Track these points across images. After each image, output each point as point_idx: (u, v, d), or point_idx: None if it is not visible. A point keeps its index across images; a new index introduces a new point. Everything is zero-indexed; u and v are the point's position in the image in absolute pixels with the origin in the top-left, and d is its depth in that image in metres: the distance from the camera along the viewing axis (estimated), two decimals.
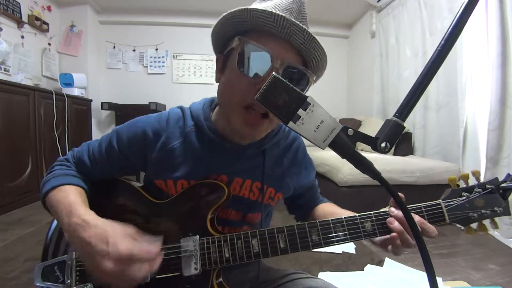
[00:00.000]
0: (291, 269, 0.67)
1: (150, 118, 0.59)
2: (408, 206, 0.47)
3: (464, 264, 1.43)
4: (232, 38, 0.50)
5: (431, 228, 0.46)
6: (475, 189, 0.49)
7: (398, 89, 2.89)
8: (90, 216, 0.47)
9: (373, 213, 0.49)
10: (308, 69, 0.51)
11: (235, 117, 0.51)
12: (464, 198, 0.49)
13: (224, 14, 0.49)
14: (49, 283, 0.52)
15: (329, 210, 0.70)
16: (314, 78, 0.52)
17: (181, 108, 0.61)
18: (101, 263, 0.41)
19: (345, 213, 0.58)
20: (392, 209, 0.48)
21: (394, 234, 0.46)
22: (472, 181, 0.50)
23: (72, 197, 0.51)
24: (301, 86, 0.50)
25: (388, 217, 0.48)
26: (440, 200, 0.49)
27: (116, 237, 0.43)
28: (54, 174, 0.56)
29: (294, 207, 0.75)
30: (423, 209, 0.48)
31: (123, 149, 0.58)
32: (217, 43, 0.56)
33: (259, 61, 0.47)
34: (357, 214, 0.49)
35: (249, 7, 0.46)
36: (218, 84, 0.55)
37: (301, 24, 0.45)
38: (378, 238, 0.50)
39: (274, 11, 0.44)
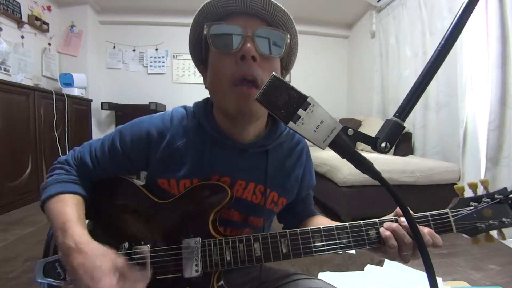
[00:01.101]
0: (291, 270, 0.66)
1: (153, 118, 0.59)
2: (414, 214, 0.47)
3: (464, 264, 1.43)
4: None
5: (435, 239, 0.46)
6: (483, 199, 0.48)
7: (398, 89, 2.89)
8: (83, 239, 0.47)
9: (378, 221, 0.48)
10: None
11: (228, 99, 0.51)
12: (472, 208, 0.48)
13: (194, 15, 0.53)
14: (50, 279, 0.52)
15: (322, 223, 0.66)
16: (289, 37, 0.53)
17: (184, 107, 0.62)
18: None
19: None
20: (388, 223, 0.47)
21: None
22: (480, 191, 0.49)
23: (68, 212, 0.51)
24: (279, 44, 0.52)
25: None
26: (448, 210, 0.49)
27: (102, 272, 0.43)
28: (53, 180, 0.55)
29: (286, 215, 0.71)
30: (430, 218, 0.48)
31: (126, 149, 0.57)
32: (194, 53, 0.59)
33: (232, 34, 0.49)
34: (362, 222, 0.48)
35: (209, 0, 0.50)
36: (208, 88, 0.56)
37: None
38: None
39: None
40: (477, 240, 0.48)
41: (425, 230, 0.46)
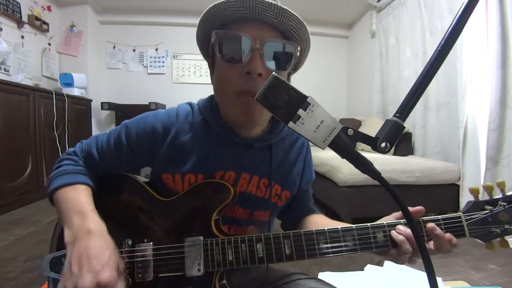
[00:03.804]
0: (291, 270, 0.67)
1: (159, 113, 0.60)
2: (425, 218, 0.46)
3: (464, 264, 1.43)
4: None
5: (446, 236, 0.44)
6: (499, 203, 0.45)
7: (398, 89, 2.89)
8: (102, 228, 0.50)
9: (386, 223, 0.47)
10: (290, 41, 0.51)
11: (232, 108, 0.52)
12: (487, 211, 0.45)
13: (201, 16, 0.51)
14: (57, 274, 0.52)
15: (322, 223, 0.66)
16: (299, 49, 0.52)
17: (189, 103, 0.62)
18: (83, 274, 0.42)
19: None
20: (400, 227, 0.46)
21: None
22: (496, 193, 0.47)
23: (84, 200, 0.53)
24: (288, 58, 0.51)
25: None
26: (461, 213, 0.46)
27: (110, 262, 0.45)
28: (63, 170, 0.57)
29: (284, 210, 0.70)
30: (442, 222, 0.46)
31: (131, 144, 0.58)
32: (202, 48, 0.58)
33: (240, 47, 0.48)
34: (369, 224, 0.47)
35: (217, 2, 0.47)
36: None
37: (267, 0, 0.45)
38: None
39: None
40: (492, 246, 0.46)
41: (446, 236, 0.44)
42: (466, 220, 0.46)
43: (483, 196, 0.48)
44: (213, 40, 0.50)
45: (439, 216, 0.46)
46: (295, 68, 0.59)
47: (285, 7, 0.46)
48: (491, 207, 0.46)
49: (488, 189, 0.46)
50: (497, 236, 0.45)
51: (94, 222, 0.49)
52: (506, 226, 0.44)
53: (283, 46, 0.50)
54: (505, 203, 0.45)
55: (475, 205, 0.47)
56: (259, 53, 0.47)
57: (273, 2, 0.45)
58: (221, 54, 0.50)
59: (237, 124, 0.56)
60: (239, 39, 0.48)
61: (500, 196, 0.46)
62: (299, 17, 0.48)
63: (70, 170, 0.57)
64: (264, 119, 0.57)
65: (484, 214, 0.45)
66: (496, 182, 0.46)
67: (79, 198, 0.53)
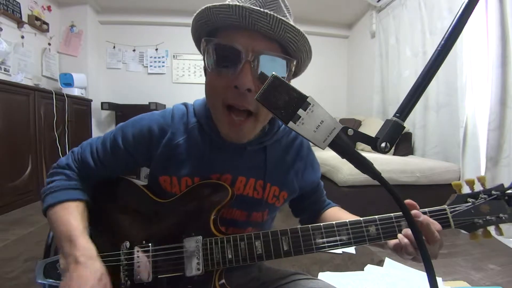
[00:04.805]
0: (291, 270, 0.67)
1: (154, 114, 0.59)
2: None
3: (464, 264, 1.43)
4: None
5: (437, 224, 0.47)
6: (480, 195, 0.49)
7: (398, 89, 2.89)
8: (87, 254, 0.49)
9: (378, 217, 0.49)
10: (288, 54, 0.49)
11: (220, 120, 0.51)
12: (470, 204, 0.49)
13: (193, 16, 0.48)
14: (50, 280, 0.52)
15: (337, 216, 0.68)
16: (295, 63, 0.49)
17: (185, 104, 0.61)
18: None
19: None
20: (407, 231, 0.47)
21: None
22: (477, 187, 0.50)
23: (73, 222, 0.52)
24: (282, 72, 0.48)
25: (392, 221, 0.48)
26: (446, 206, 0.49)
27: None
28: (54, 187, 0.55)
29: (299, 209, 0.73)
30: (428, 215, 0.48)
31: (128, 146, 0.57)
32: (197, 46, 0.56)
33: (231, 58, 0.45)
34: (361, 218, 0.49)
35: (210, 4, 0.44)
36: None
37: (262, 10, 0.42)
38: (392, 242, 0.49)
39: (232, 3, 0.42)
40: (475, 236, 0.49)
41: (420, 218, 0.45)
42: (451, 212, 0.49)
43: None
44: (203, 47, 0.48)
45: (426, 209, 0.49)
46: (294, 75, 0.57)
47: (282, 18, 0.43)
48: (473, 200, 0.49)
49: (470, 184, 0.50)
50: (480, 227, 0.49)
51: (82, 249, 0.49)
52: (488, 217, 0.48)
53: (278, 61, 0.47)
54: (486, 196, 0.49)
55: (459, 198, 0.50)
56: (250, 66, 0.44)
57: (269, 12, 0.42)
58: (210, 63, 0.48)
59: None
60: (229, 49, 0.45)
61: (481, 189, 0.50)
62: (298, 28, 0.44)
63: (62, 186, 0.55)
64: (253, 135, 0.55)
65: (467, 206, 0.49)
66: (476, 177, 0.50)
67: (69, 220, 0.51)
